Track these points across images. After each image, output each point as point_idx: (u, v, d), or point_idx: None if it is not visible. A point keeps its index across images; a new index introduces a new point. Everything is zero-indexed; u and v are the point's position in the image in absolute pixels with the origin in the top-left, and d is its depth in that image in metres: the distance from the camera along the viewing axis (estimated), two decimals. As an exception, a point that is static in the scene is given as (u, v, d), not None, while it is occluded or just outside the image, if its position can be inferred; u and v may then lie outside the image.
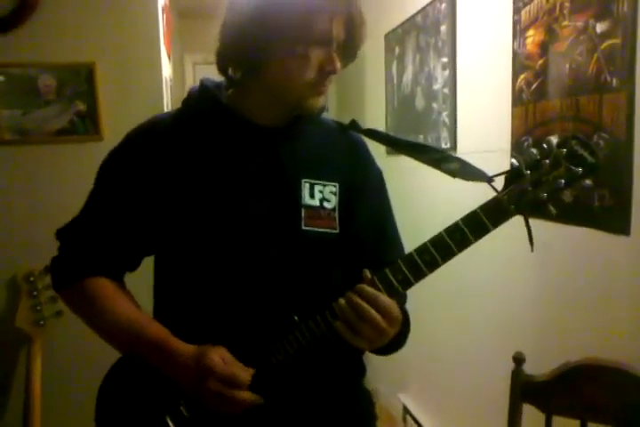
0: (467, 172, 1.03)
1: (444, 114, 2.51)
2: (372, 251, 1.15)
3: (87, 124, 1.81)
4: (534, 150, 0.92)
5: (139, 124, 1.12)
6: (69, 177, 1.82)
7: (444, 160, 1.05)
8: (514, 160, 0.93)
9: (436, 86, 2.61)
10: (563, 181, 0.91)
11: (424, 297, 2.66)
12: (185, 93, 1.14)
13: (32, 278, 1.73)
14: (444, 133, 2.50)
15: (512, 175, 0.93)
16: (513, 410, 1.39)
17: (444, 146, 2.49)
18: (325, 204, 1.09)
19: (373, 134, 1.14)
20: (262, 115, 1.08)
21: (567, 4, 1.69)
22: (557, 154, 0.90)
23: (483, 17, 2.22)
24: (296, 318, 1.02)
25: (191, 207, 1.05)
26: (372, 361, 3.71)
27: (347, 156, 1.15)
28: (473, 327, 2.32)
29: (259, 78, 1.04)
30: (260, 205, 1.06)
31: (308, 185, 1.08)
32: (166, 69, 2.20)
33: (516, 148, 1.97)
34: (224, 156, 1.07)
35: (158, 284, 1.15)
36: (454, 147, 2.40)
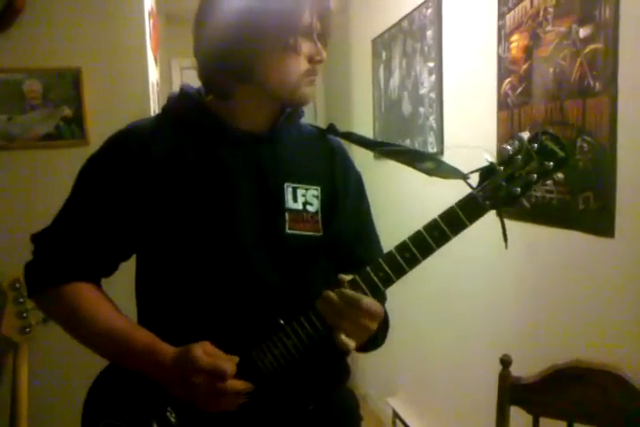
0: (442, 170, 1.05)
1: (431, 118, 2.53)
2: (353, 253, 1.17)
3: (73, 129, 1.80)
4: (507, 146, 0.95)
5: (118, 130, 1.12)
6: (56, 182, 1.80)
7: (419, 159, 1.07)
8: (487, 156, 0.96)
9: (423, 91, 2.62)
10: (535, 175, 0.94)
11: (412, 301, 2.67)
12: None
13: (18, 285, 1.71)
14: (431, 138, 2.51)
15: (486, 171, 0.96)
16: (501, 412, 1.40)
17: (430, 150, 2.50)
18: (308, 207, 1.10)
19: (351, 137, 1.16)
20: (244, 120, 1.09)
21: (551, 10, 1.71)
22: (529, 149, 0.93)
23: (468, 22, 2.24)
24: (281, 321, 1.02)
25: (173, 212, 1.04)
26: (361, 366, 3.71)
27: (327, 160, 1.17)
28: (460, 331, 2.33)
29: (248, 82, 1.05)
30: (243, 209, 1.06)
31: (290, 189, 1.09)
32: (153, 74, 2.20)
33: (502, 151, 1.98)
34: (206, 160, 1.06)
35: (141, 289, 1.14)
36: (441, 151, 2.42)
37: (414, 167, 1.07)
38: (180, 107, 1.12)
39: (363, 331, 0.98)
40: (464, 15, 2.27)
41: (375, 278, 0.98)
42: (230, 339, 1.02)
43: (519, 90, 1.88)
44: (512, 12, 1.91)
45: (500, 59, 1.99)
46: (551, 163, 0.93)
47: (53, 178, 1.80)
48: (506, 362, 1.40)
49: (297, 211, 1.08)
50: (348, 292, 0.96)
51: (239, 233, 1.05)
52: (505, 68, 1.96)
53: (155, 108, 2.06)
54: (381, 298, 1.06)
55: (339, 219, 1.13)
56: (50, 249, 1.10)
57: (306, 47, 1.03)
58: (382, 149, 1.13)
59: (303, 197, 1.10)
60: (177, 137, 1.08)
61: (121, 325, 1.05)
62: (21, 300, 1.72)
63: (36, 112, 1.78)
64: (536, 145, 0.94)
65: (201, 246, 1.05)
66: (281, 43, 1.01)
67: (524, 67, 1.84)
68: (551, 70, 1.70)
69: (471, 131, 2.21)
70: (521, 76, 1.86)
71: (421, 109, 2.64)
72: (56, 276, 1.08)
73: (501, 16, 1.97)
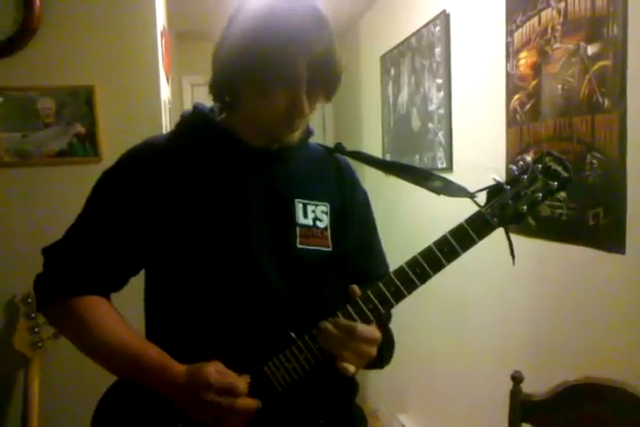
0: (450, 189, 1.09)
1: (440, 134, 2.54)
2: (359, 267, 1.19)
3: (86, 147, 1.82)
4: (513, 167, 1.00)
5: (132, 146, 1.13)
6: (68, 199, 1.82)
7: (428, 179, 1.11)
8: (495, 176, 1.01)
9: (432, 107, 2.64)
10: (540, 194, 0.99)
11: (422, 317, 2.66)
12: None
13: (30, 300, 1.73)
14: (440, 153, 2.52)
15: (493, 190, 1.01)
16: (512, 430, 1.39)
17: (440, 166, 2.51)
18: (318, 223, 1.12)
19: (358, 156, 1.19)
20: (255, 137, 1.10)
21: (558, 27, 1.72)
22: (534, 170, 0.99)
23: (476, 39, 2.25)
24: (292, 334, 1.03)
25: (186, 227, 1.05)
26: (372, 382, 3.69)
27: (335, 177, 1.20)
28: (471, 347, 2.32)
29: (239, 110, 1.09)
30: (255, 224, 1.07)
31: (301, 205, 1.11)
32: (165, 92, 2.23)
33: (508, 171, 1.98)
34: (219, 176, 1.08)
35: (150, 303, 1.15)
36: (450, 166, 2.42)
37: (423, 186, 1.10)
38: (193, 124, 1.14)
39: (361, 357, 1.01)
40: (472, 32, 2.29)
41: (387, 293, 1.00)
42: (241, 353, 1.03)
43: (528, 106, 1.89)
44: (520, 30, 1.93)
45: (508, 75, 2.01)
46: (555, 182, 0.99)
47: (67, 194, 1.82)
48: (517, 379, 1.40)
49: (307, 226, 1.10)
50: (343, 321, 0.99)
51: (252, 248, 1.06)
52: (513, 85, 1.97)
53: (166, 125, 2.09)
54: (387, 316, 1.07)
55: (347, 234, 1.15)
56: (60, 262, 1.11)
57: (284, 96, 1.01)
58: (390, 168, 1.17)
59: (313, 213, 1.11)
60: (191, 154, 1.09)
61: (131, 340, 1.06)
62: (33, 315, 1.73)
63: (49, 130, 1.81)
64: (540, 166, 0.99)
65: (214, 261, 1.05)
66: (256, 87, 1.01)
67: (533, 83, 1.85)
68: (560, 87, 1.71)
69: (480, 147, 2.21)
70: (530, 93, 1.87)
71: (430, 125, 2.65)
72: (66, 289, 1.08)
73: (509, 33, 1.99)
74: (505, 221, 1.00)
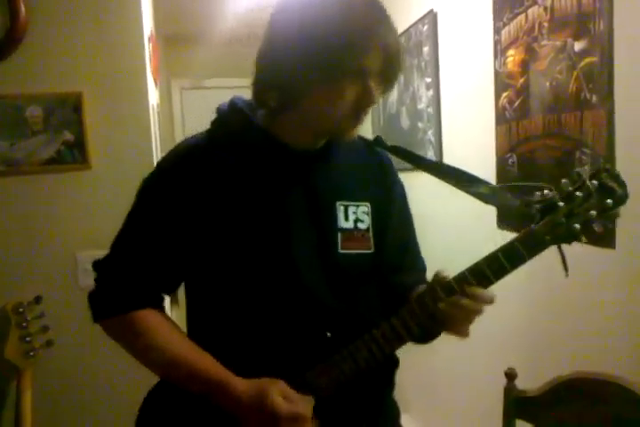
0: (498, 198, 1.06)
1: (430, 132, 2.54)
2: (396, 263, 1.18)
3: (75, 154, 1.81)
4: (566, 181, 0.95)
5: (171, 151, 1.11)
6: (59, 207, 1.82)
7: (473, 184, 1.08)
8: (547, 191, 0.97)
9: (421, 106, 2.64)
10: (594, 212, 0.94)
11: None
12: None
13: (21, 309, 1.71)
14: (430, 152, 2.52)
15: (546, 206, 0.97)
16: (507, 426, 1.39)
17: (431, 164, 2.51)
18: (359, 224, 1.10)
19: (399, 151, 1.16)
20: (296, 139, 1.08)
21: (545, 24, 1.73)
22: (589, 186, 0.94)
23: (464, 38, 2.26)
24: (328, 334, 1.05)
25: (230, 232, 1.04)
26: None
27: (376, 174, 1.17)
28: (465, 345, 2.32)
29: (295, 109, 1.04)
30: (297, 228, 1.06)
31: (342, 207, 1.09)
32: (153, 97, 2.22)
33: (500, 164, 1.99)
34: (261, 180, 1.06)
35: (192, 308, 1.15)
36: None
37: (466, 191, 1.08)
38: (231, 123, 1.10)
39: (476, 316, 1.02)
40: (460, 31, 2.29)
41: (433, 309, 1.00)
42: (284, 358, 1.04)
43: (516, 103, 1.89)
44: (507, 27, 1.93)
45: (496, 73, 2.01)
46: (610, 200, 0.94)
47: (56, 202, 1.81)
48: (511, 375, 1.40)
49: (349, 230, 1.09)
50: (477, 291, 0.99)
51: (294, 253, 1.05)
52: (502, 83, 1.98)
53: (155, 130, 2.08)
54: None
55: (388, 233, 1.14)
56: (113, 277, 1.10)
57: (353, 89, 0.99)
58: (431, 168, 1.13)
59: (354, 215, 1.10)
60: (230, 156, 1.07)
61: (190, 353, 1.05)
62: (24, 324, 1.71)
63: (37, 137, 1.79)
64: (596, 182, 0.94)
65: (256, 265, 1.05)
66: (329, 84, 0.99)
67: (521, 81, 1.86)
68: (548, 84, 1.72)
69: (470, 144, 2.21)
70: (518, 90, 1.88)
71: (420, 124, 2.66)
72: (122, 304, 1.08)
73: (497, 31, 1.99)
74: (558, 240, 0.97)
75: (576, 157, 1.59)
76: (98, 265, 1.13)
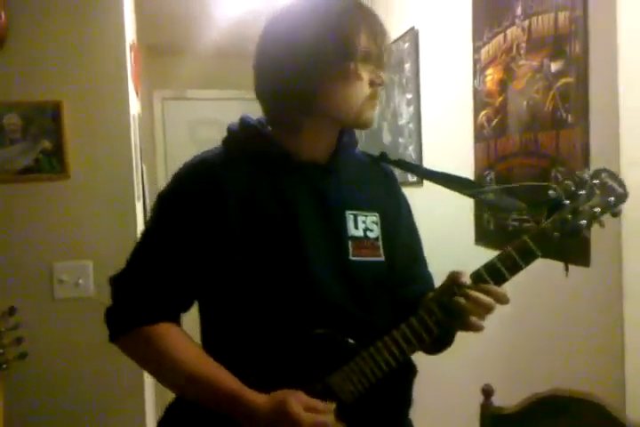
0: (504, 203, 1.13)
1: (410, 148, 2.56)
2: (406, 274, 1.20)
3: (53, 163, 1.79)
4: (569, 182, 1.03)
5: (187, 165, 1.12)
6: (35, 216, 1.79)
7: (480, 192, 1.15)
8: (551, 191, 1.04)
9: (402, 122, 2.66)
10: (598, 208, 1.03)
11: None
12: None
13: (-6, 320, 1.69)
14: (410, 167, 2.54)
15: (552, 205, 1.04)
16: (484, 443, 1.39)
17: (410, 179, 2.53)
18: (369, 233, 1.13)
19: (403, 165, 1.22)
20: (306, 151, 1.11)
21: (523, 45, 1.76)
22: (591, 186, 1.03)
23: (444, 55, 2.29)
24: (351, 340, 1.06)
25: (245, 244, 1.06)
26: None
27: (383, 187, 1.22)
28: (442, 360, 2.32)
29: (311, 114, 1.08)
30: (309, 237, 1.08)
31: (352, 216, 1.12)
32: (134, 107, 2.21)
33: (479, 181, 2.01)
34: (273, 191, 1.09)
35: (207, 320, 1.15)
36: (421, 180, 2.44)
37: (475, 198, 1.15)
38: (244, 138, 1.13)
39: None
40: (440, 49, 2.33)
41: (450, 306, 1.04)
42: (304, 365, 1.05)
43: (495, 122, 1.92)
44: (487, 46, 1.97)
45: (475, 91, 2.04)
46: (612, 198, 1.03)
47: (33, 212, 1.78)
48: (487, 392, 1.40)
49: (359, 238, 1.12)
50: (492, 287, 1.03)
51: (309, 261, 1.07)
52: (481, 101, 2.01)
53: (135, 140, 2.07)
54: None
55: (397, 245, 1.17)
56: (130, 292, 1.10)
57: (365, 72, 1.06)
58: (438, 178, 1.18)
59: (363, 224, 1.13)
60: (245, 170, 1.10)
61: (208, 369, 1.05)
62: (-3, 335, 1.69)
63: (15, 146, 1.77)
64: (597, 181, 1.02)
65: (272, 274, 1.06)
66: (342, 70, 1.04)
67: (500, 99, 1.89)
68: (525, 103, 1.75)
69: (450, 161, 2.24)
70: (496, 109, 1.91)
71: (401, 139, 2.68)
72: (139, 318, 1.07)
73: (476, 50, 2.03)
74: (566, 236, 1.04)
75: (552, 175, 1.61)
76: (115, 280, 1.13)
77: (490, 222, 1.92)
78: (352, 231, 1.11)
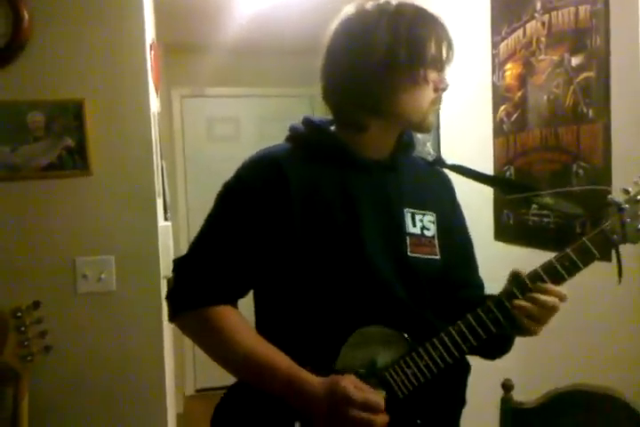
0: (561, 205, 1.16)
1: (429, 144, 2.56)
2: (461, 277, 1.23)
3: (76, 160, 1.82)
4: (628, 188, 1.06)
5: (253, 158, 1.16)
6: (58, 212, 1.82)
7: (538, 196, 1.17)
8: (611, 196, 1.07)
9: (420, 117, 2.66)
10: None
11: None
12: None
13: (19, 314, 1.71)
14: (429, 163, 2.54)
15: (613, 209, 1.05)
16: (504, 438, 1.39)
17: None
18: (425, 232, 1.16)
19: (459, 169, 1.23)
20: (369, 149, 1.15)
21: (543, 39, 1.75)
22: None
23: (462, 50, 2.28)
24: (406, 335, 1.07)
25: (307, 237, 1.08)
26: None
27: (439, 189, 1.25)
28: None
29: (378, 114, 1.11)
30: (370, 233, 1.10)
31: (410, 214, 1.15)
32: (154, 104, 2.23)
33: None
34: (336, 188, 1.12)
35: (263, 308, 1.18)
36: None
37: (534, 202, 1.17)
38: (309, 136, 1.17)
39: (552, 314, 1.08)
40: (458, 44, 2.31)
41: (508, 306, 1.06)
42: (357, 357, 1.06)
43: (514, 117, 1.91)
44: (505, 41, 1.96)
45: (494, 86, 2.03)
46: None
47: (56, 208, 1.81)
48: (507, 386, 1.41)
49: (416, 235, 1.14)
50: (550, 286, 1.05)
51: (370, 256, 1.09)
52: (500, 96, 2.00)
53: (155, 137, 2.09)
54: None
55: (453, 247, 1.19)
56: (192, 274, 1.13)
57: (432, 77, 1.10)
58: (495, 183, 1.22)
59: (421, 222, 1.16)
60: (309, 166, 1.13)
61: (265, 349, 1.08)
62: (23, 328, 1.71)
63: (38, 143, 1.80)
64: None
65: (332, 266, 1.09)
66: (412, 76, 1.08)
67: (519, 94, 1.88)
68: (545, 98, 1.74)
69: (468, 156, 2.23)
70: (516, 104, 1.90)
71: (419, 136, 2.67)
72: (200, 299, 1.11)
73: (495, 45, 2.02)
74: (624, 238, 1.05)
75: (573, 171, 1.61)
76: (178, 263, 1.16)
77: (510, 218, 1.91)
78: (410, 228, 1.14)
